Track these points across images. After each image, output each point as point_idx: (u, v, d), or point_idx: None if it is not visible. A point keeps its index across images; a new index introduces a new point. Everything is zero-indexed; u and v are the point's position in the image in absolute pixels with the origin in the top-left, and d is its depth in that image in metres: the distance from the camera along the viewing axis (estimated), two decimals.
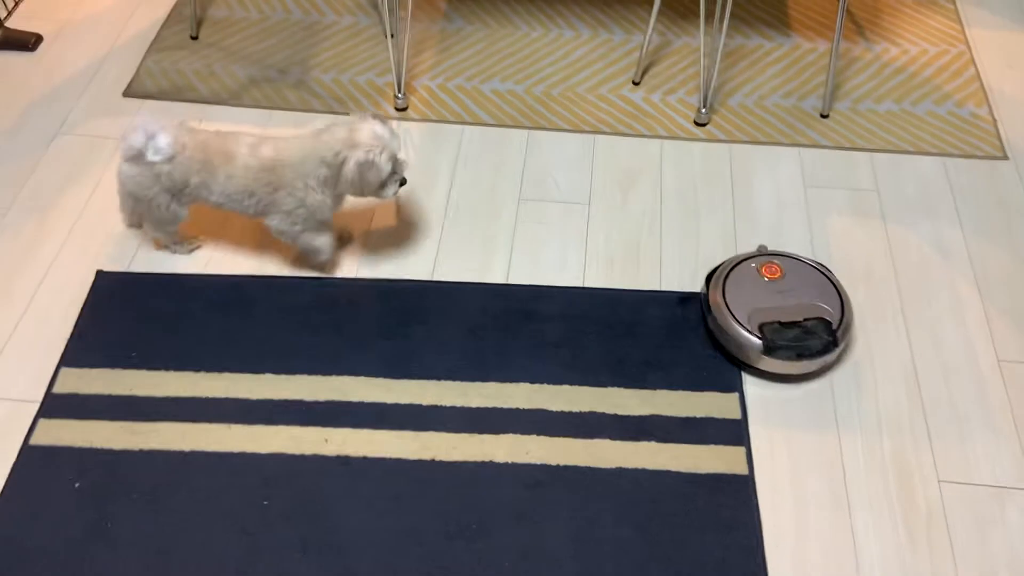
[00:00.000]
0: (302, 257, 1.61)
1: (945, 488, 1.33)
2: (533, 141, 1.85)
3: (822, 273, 1.50)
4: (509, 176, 1.78)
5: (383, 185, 1.45)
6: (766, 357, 1.41)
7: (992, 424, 1.40)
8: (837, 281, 1.49)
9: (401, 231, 1.68)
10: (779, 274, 1.49)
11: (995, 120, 1.86)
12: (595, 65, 1.99)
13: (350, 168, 1.39)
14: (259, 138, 1.45)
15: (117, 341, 1.51)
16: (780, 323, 1.43)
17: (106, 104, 1.92)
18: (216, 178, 1.44)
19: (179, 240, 1.62)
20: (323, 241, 1.53)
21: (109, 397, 1.44)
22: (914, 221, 1.68)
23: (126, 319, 1.54)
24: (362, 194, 1.46)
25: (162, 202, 1.47)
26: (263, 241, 1.66)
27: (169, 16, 2.12)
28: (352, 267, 1.62)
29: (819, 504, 1.32)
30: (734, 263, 1.52)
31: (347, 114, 1.53)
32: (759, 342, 1.41)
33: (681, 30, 2.07)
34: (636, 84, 1.96)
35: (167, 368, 1.47)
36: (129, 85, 1.96)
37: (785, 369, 1.43)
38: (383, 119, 1.45)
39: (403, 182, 1.48)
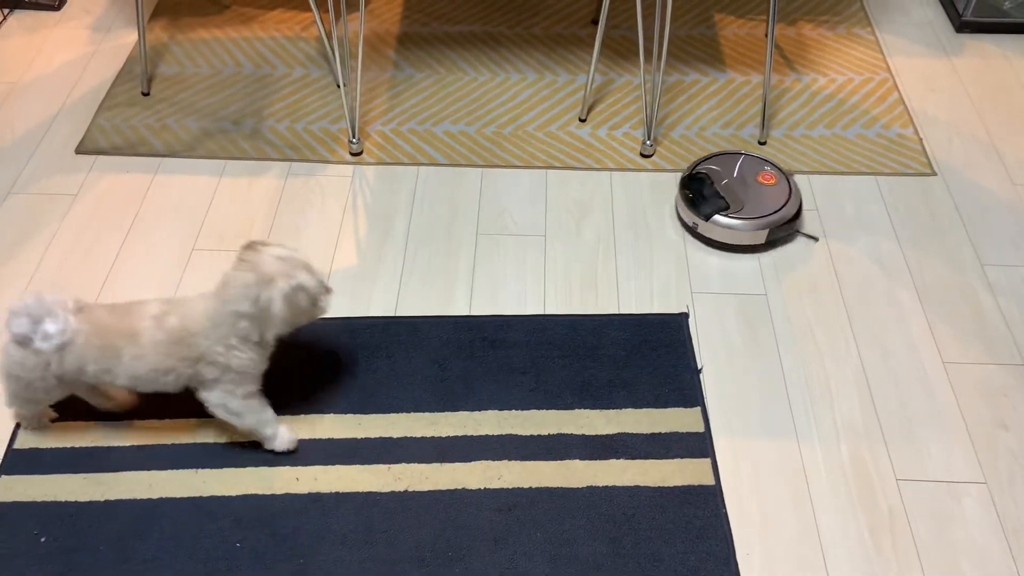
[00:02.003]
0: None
1: (903, 487, 1.38)
2: (487, 178, 1.90)
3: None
4: (466, 213, 1.82)
5: (315, 303, 1.32)
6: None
7: (943, 423, 1.46)
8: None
9: (363, 271, 1.71)
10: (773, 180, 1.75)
11: (921, 139, 1.98)
12: (542, 105, 2.07)
13: (278, 306, 1.24)
14: (163, 306, 1.28)
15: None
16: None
17: (58, 162, 1.92)
18: (121, 362, 1.26)
19: (41, 419, 1.43)
20: (269, 417, 1.37)
21: (71, 450, 1.42)
22: (853, 237, 1.77)
23: None
24: (295, 325, 1.31)
25: (48, 385, 1.29)
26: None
27: (119, 74, 2.14)
28: None
29: (784, 510, 1.35)
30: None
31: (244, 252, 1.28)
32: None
33: (622, 69, 2.17)
34: (583, 121, 2.03)
35: (130, 418, 1.46)
36: (81, 142, 1.97)
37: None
38: (262, 242, 1.29)
39: (328, 288, 1.36)
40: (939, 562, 1.29)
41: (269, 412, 1.38)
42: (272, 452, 1.40)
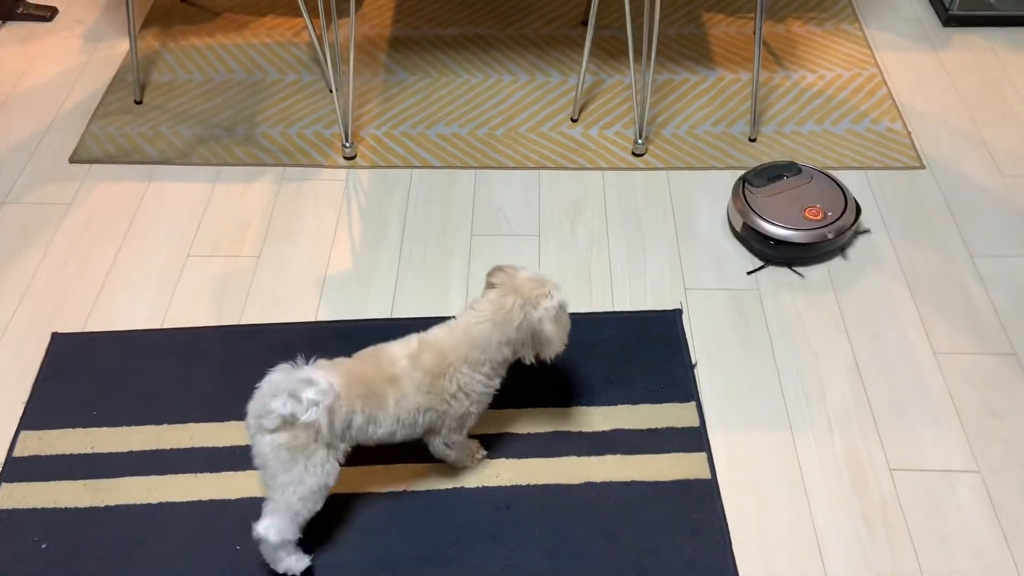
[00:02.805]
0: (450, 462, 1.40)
1: (897, 476, 1.40)
2: (480, 180, 1.91)
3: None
4: (460, 214, 1.84)
5: (567, 325, 1.29)
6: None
7: (935, 413, 1.47)
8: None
9: (358, 274, 1.72)
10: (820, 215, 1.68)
11: (910, 133, 1.99)
12: (534, 106, 2.08)
13: (548, 327, 1.23)
14: (411, 347, 1.25)
15: (76, 401, 1.50)
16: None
17: (53, 171, 1.93)
18: (386, 408, 1.21)
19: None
20: (471, 449, 1.38)
21: (71, 456, 1.43)
22: None
23: (84, 378, 1.53)
24: (558, 347, 1.27)
25: (319, 460, 1.18)
26: (221, 293, 1.68)
27: (112, 83, 2.15)
28: (311, 310, 1.65)
29: (780, 502, 1.37)
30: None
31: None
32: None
33: (613, 69, 2.18)
34: (574, 121, 2.04)
35: (129, 424, 1.47)
36: (75, 151, 1.98)
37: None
38: (510, 265, 1.29)
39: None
40: (933, 550, 1.31)
41: (468, 442, 1.37)
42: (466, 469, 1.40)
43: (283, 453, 1.16)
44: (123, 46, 2.26)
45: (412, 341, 1.26)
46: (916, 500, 1.36)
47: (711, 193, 1.87)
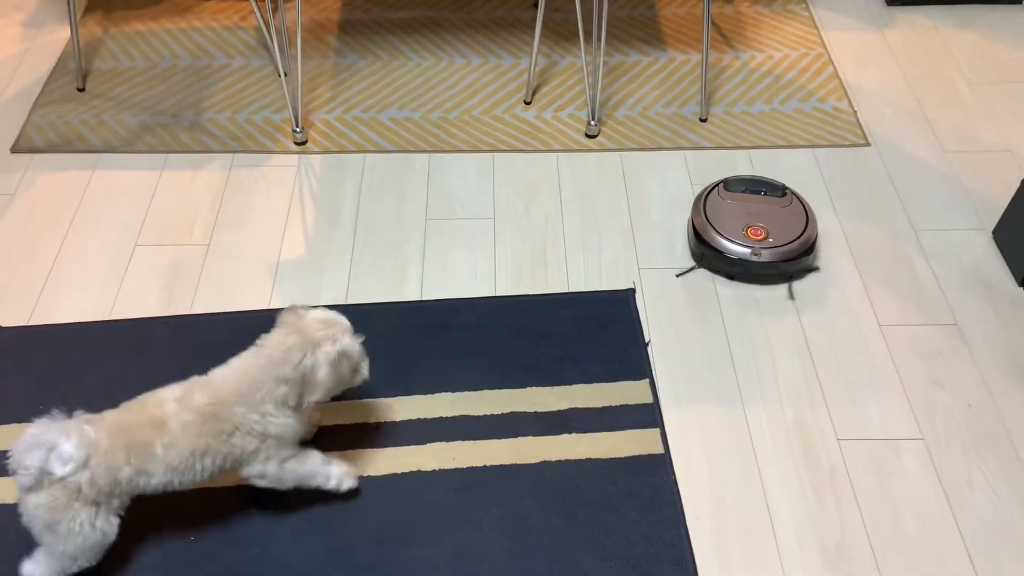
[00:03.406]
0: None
1: (844, 446, 1.43)
2: (435, 164, 1.90)
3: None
4: (414, 198, 1.83)
5: (355, 370, 1.28)
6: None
7: (880, 383, 1.51)
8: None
9: (311, 260, 1.70)
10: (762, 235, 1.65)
11: (855, 112, 2.03)
12: (487, 88, 2.08)
13: (324, 372, 1.20)
14: (184, 387, 1.21)
15: (24, 395, 1.47)
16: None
17: None
18: (154, 456, 1.15)
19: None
20: (315, 464, 1.29)
21: None
22: None
23: (32, 372, 1.50)
24: (335, 392, 1.25)
25: (85, 520, 1.13)
26: (171, 282, 1.66)
27: (53, 71, 2.10)
28: (264, 298, 1.63)
29: (732, 474, 1.39)
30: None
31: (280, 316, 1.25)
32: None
33: (565, 51, 2.18)
34: (528, 103, 2.04)
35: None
36: (16, 141, 1.93)
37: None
38: (303, 306, 1.26)
39: (365, 354, 1.31)
40: (880, 516, 1.34)
41: (312, 460, 1.29)
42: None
43: (44, 514, 1.10)
44: (64, 32, 2.21)
45: (186, 383, 1.21)
46: (863, 468, 1.40)
47: (663, 174, 1.89)
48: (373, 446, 1.41)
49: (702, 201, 1.71)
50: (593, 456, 1.40)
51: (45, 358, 1.52)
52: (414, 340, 1.56)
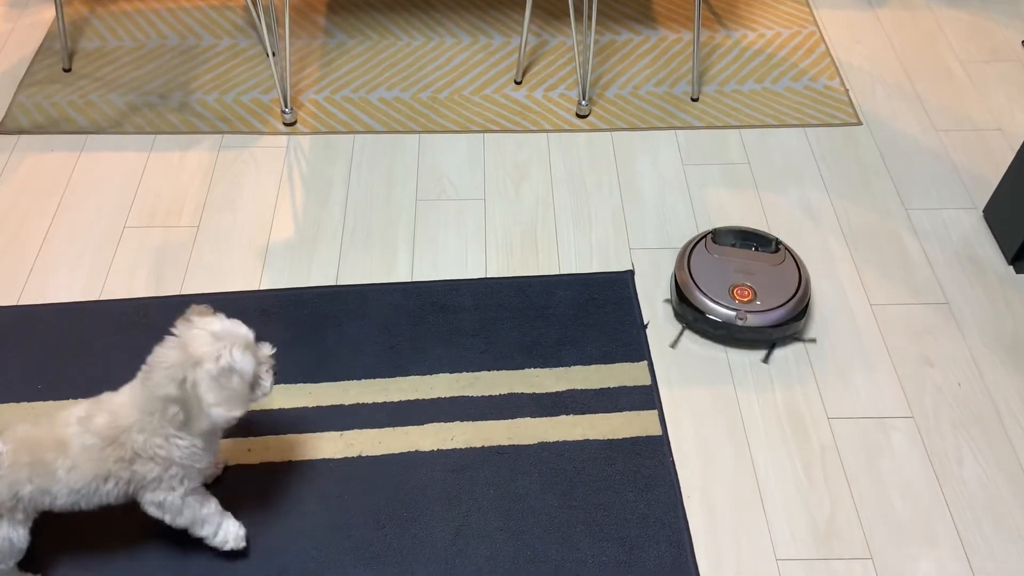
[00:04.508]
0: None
1: (835, 425, 1.45)
2: (425, 144, 1.89)
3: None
4: (404, 179, 1.82)
5: (254, 385, 1.15)
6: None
7: (871, 363, 1.53)
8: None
9: (301, 241, 1.70)
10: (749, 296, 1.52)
11: (847, 90, 2.03)
12: (477, 68, 2.06)
13: (206, 389, 1.08)
14: (87, 408, 1.14)
15: (19, 375, 1.46)
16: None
17: None
18: (55, 477, 1.10)
19: None
20: (211, 511, 1.22)
21: None
22: (783, 187, 1.82)
23: (26, 352, 1.49)
24: (237, 410, 1.11)
25: None
26: (160, 264, 1.64)
27: (39, 51, 2.06)
28: (254, 279, 1.62)
29: (723, 453, 1.41)
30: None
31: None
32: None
33: (555, 30, 2.17)
34: (518, 83, 2.03)
35: (76, 396, 1.43)
36: (2, 122, 1.90)
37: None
38: (206, 311, 1.16)
39: (275, 369, 1.19)
40: (870, 493, 1.36)
41: (210, 506, 1.22)
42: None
43: None
44: (49, 12, 2.17)
45: (93, 401, 1.15)
46: (853, 448, 1.42)
47: (655, 154, 1.88)
48: (370, 426, 1.41)
49: (687, 254, 1.59)
50: (591, 437, 1.41)
51: (39, 338, 1.51)
52: (411, 321, 1.56)
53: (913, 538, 1.31)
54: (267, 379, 1.17)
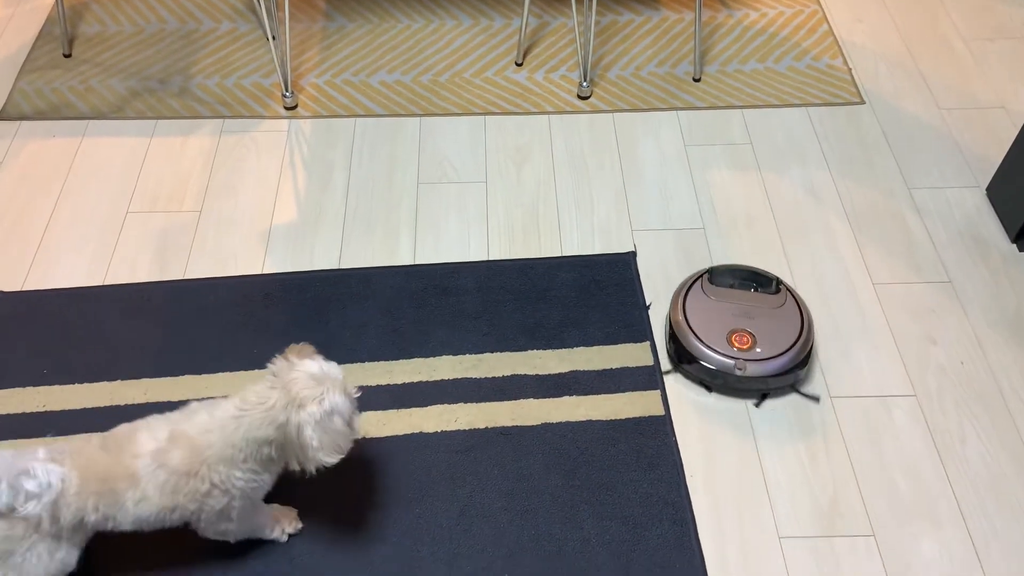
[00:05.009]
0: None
1: (837, 404, 1.45)
2: (426, 127, 1.89)
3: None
4: (406, 163, 1.82)
5: (351, 426, 1.15)
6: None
7: (873, 341, 1.53)
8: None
9: (303, 225, 1.70)
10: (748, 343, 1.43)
11: (850, 69, 2.02)
12: (478, 51, 2.05)
13: (310, 435, 1.08)
14: (163, 439, 1.11)
15: (24, 359, 1.47)
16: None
17: None
18: (123, 508, 1.10)
19: None
20: (261, 525, 1.25)
21: (23, 415, 1.40)
22: (786, 167, 1.81)
23: (31, 337, 1.50)
24: (341, 451, 1.13)
25: (43, 552, 1.08)
26: (163, 249, 1.65)
27: (38, 37, 2.05)
28: (257, 263, 1.63)
29: (726, 434, 1.41)
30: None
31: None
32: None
33: (556, 11, 2.16)
34: (519, 65, 2.02)
35: (81, 381, 1.44)
36: (3, 108, 1.90)
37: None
38: (307, 350, 1.16)
39: (358, 408, 1.20)
40: (873, 473, 1.37)
41: (261, 514, 1.24)
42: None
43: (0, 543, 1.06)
44: None
45: (163, 430, 1.12)
46: (855, 426, 1.42)
47: (657, 134, 1.88)
48: (375, 408, 1.42)
49: (682, 295, 1.50)
50: (594, 418, 1.42)
51: (44, 322, 1.52)
52: (414, 304, 1.56)
53: (916, 516, 1.32)
54: (357, 418, 1.17)
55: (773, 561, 1.27)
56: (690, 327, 1.45)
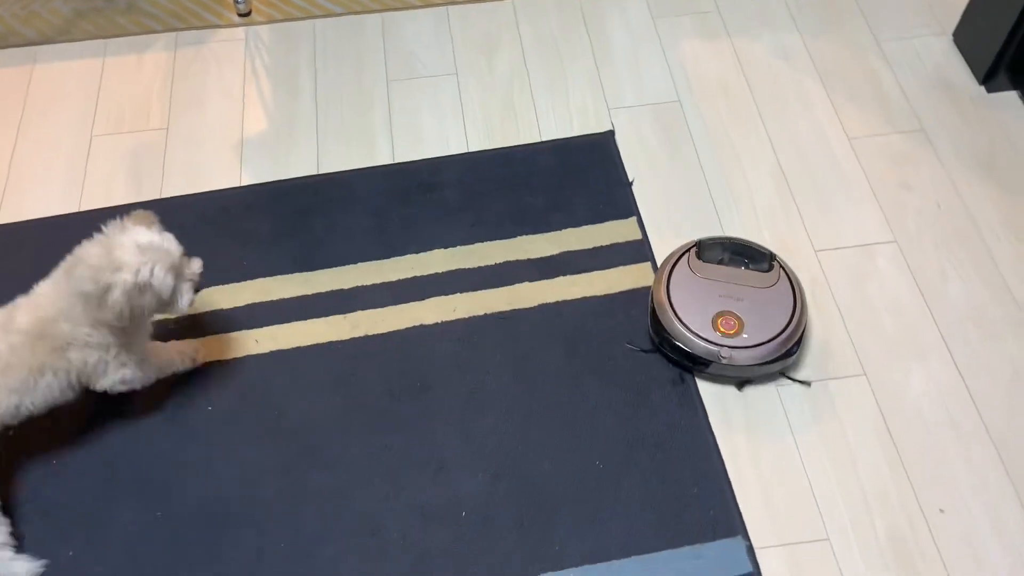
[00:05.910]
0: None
1: (822, 256, 1.49)
2: (388, 24, 1.84)
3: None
4: (372, 62, 1.78)
5: (171, 301, 1.18)
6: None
7: (852, 194, 1.56)
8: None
9: (276, 134, 1.66)
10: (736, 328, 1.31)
11: None
12: None
13: (116, 298, 1.10)
14: (5, 312, 1.16)
15: (7, 293, 1.44)
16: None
17: None
18: None
19: None
20: (167, 349, 1.30)
21: None
22: (756, 33, 1.80)
23: (10, 269, 1.46)
24: (135, 320, 1.15)
25: None
26: (136, 170, 1.61)
27: None
28: (234, 176, 1.60)
29: None
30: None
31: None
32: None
33: None
34: None
35: None
36: None
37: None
38: (147, 218, 1.18)
39: (199, 286, 1.22)
40: (861, 318, 1.42)
41: (160, 353, 1.28)
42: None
43: None
44: None
45: (8, 307, 1.17)
46: (841, 276, 1.47)
47: (624, 11, 1.85)
48: (372, 306, 1.43)
49: (667, 271, 1.37)
50: (589, 294, 1.44)
51: (25, 253, 1.49)
52: (398, 203, 1.56)
53: (903, 352, 1.38)
54: (186, 296, 1.19)
55: (772, 403, 1.33)
56: (673, 308, 1.33)
